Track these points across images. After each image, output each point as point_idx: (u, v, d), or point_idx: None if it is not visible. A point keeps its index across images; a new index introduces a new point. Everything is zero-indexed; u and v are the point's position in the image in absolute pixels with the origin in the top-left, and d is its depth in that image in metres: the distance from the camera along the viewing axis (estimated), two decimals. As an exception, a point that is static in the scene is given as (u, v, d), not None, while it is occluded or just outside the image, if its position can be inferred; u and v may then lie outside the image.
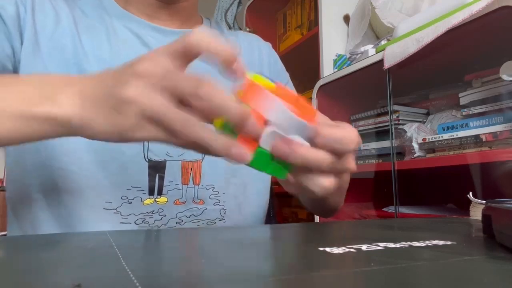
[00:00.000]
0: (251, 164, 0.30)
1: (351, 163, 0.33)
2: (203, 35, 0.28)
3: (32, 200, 0.50)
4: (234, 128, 0.28)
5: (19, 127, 0.32)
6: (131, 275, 0.18)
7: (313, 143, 0.31)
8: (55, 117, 0.31)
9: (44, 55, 0.50)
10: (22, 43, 0.50)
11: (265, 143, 0.29)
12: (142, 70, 0.27)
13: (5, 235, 0.83)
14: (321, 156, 0.30)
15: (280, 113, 0.29)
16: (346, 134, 0.31)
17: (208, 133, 0.27)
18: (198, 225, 0.54)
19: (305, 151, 0.30)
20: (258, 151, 0.29)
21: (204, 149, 0.28)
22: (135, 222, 0.50)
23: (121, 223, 0.49)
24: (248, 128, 0.28)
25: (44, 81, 0.34)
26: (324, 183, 0.31)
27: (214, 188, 0.55)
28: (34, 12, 0.51)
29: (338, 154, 0.31)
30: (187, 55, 0.28)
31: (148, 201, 0.51)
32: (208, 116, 0.27)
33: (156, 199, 0.51)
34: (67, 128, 0.31)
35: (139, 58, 0.29)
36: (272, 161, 0.30)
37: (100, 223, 0.48)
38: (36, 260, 0.23)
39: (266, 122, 0.29)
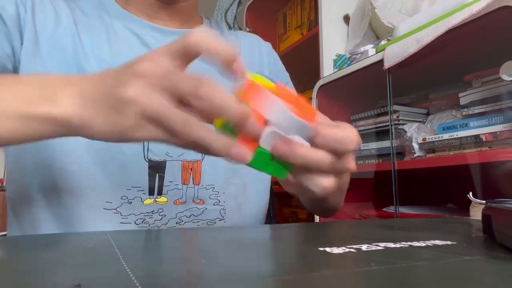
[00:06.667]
0: (251, 164, 0.30)
1: (351, 163, 0.33)
2: (203, 35, 0.28)
3: (32, 200, 0.50)
4: (234, 128, 0.28)
5: (19, 127, 0.32)
6: (131, 275, 0.18)
7: (313, 143, 0.31)
8: (54, 117, 0.31)
9: (44, 55, 0.50)
10: (22, 43, 0.50)
11: (265, 143, 0.29)
12: (142, 70, 0.27)
13: (5, 235, 0.83)
14: (321, 156, 0.30)
15: (280, 113, 0.29)
16: (346, 134, 0.31)
17: (208, 133, 0.27)
18: (198, 225, 0.54)
19: (305, 151, 0.30)
20: (258, 151, 0.29)
21: (204, 149, 0.28)
22: (135, 222, 0.50)
23: (121, 223, 0.49)
24: (248, 128, 0.28)
25: (44, 81, 0.34)
26: (324, 183, 0.31)
27: (214, 188, 0.55)
28: (34, 12, 0.51)
29: (338, 154, 0.31)
30: (187, 55, 0.28)
31: (148, 201, 0.51)
32: (208, 116, 0.27)
33: (156, 199, 0.51)
34: (66, 128, 0.31)
35: (139, 58, 0.29)
36: (272, 161, 0.30)
37: (100, 223, 0.48)
38: (36, 260, 0.23)
39: (266, 122, 0.29)
